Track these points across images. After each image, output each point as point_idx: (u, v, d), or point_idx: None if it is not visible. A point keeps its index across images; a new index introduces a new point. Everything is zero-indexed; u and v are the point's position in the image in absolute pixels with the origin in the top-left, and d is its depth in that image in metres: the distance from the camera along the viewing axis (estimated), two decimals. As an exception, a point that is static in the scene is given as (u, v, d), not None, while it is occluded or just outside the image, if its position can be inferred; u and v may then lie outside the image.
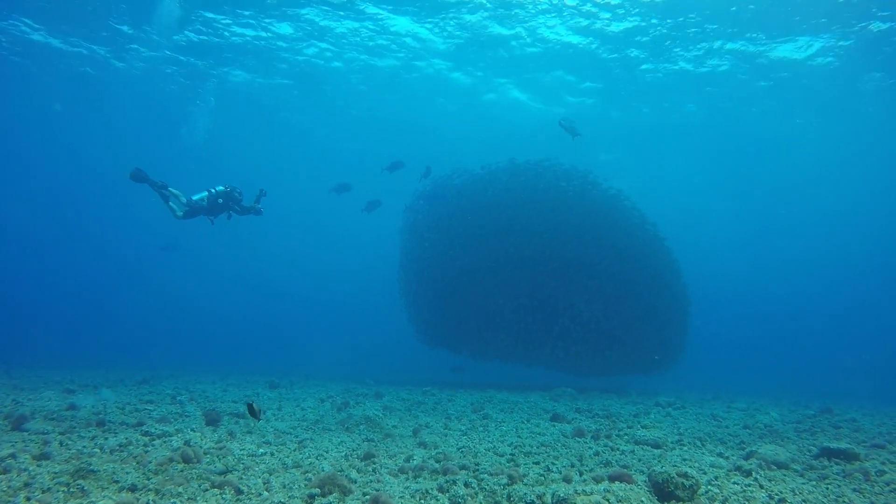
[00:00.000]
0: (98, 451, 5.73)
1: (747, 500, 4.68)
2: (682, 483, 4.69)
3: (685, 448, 7.00)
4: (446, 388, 14.02)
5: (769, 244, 45.14)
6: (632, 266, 14.39)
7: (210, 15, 20.31)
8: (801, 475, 5.63)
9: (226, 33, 21.64)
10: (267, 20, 20.76)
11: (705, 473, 5.54)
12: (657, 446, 6.96)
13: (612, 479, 5.13)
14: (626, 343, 14.50)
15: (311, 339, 31.60)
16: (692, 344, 16.68)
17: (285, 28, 21.33)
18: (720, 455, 6.57)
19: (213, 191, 9.72)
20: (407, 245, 16.89)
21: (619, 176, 17.98)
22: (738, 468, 5.72)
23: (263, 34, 21.71)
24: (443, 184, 16.10)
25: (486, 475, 5.27)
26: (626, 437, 7.54)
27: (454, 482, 4.99)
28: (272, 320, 41.53)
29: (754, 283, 45.94)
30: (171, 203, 9.36)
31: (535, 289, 14.42)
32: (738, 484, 5.15)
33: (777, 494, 4.84)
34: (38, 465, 5.06)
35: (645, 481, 5.11)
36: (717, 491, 4.88)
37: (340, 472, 5.36)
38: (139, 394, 10.42)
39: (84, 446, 5.88)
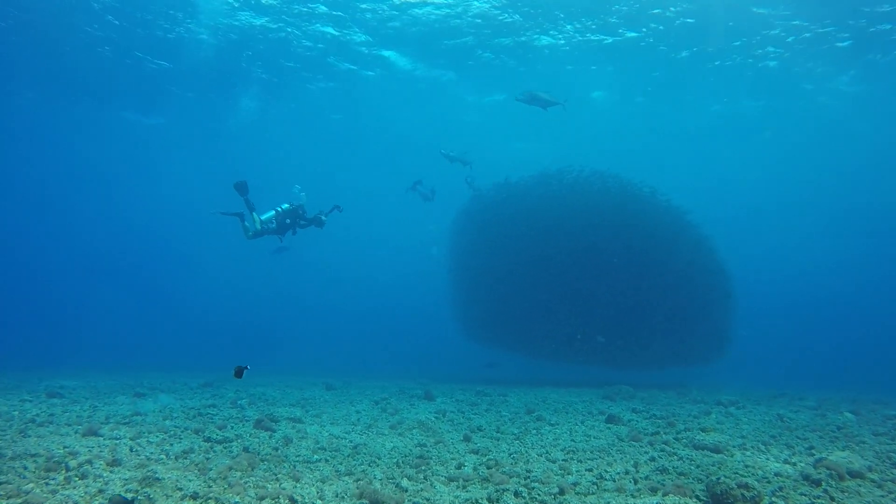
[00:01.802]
0: (164, 457, 6.05)
1: (816, 515, 4.41)
2: (743, 495, 4.48)
3: (748, 453, 6.66)
4: (500, 385, 13.99)
5: (843, 237, 42.46)
6: (669, 259, 14.43)
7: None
8: (880, 486, 5.23)
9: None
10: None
11: (769, 483, 5.26)
12: (717, 451, 6.67)
13: (667, 490, 4.96)
14: (668, 334, 14.58)
15: (368, 339, 32.33)
16: (759, 336, 16.00)
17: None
18: (786, 461, 6.21)
19: (279, 210, 10.16)
20: (456, 249, 17.40)
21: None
22: (807, 477, 5.38)
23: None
24: (486, 195, 16.72)
25: (536, 484, 5.21)
26: (684, 440, 7.26)
27: (504, 491, 4.96)
28: (330, 322, 42.60)
29: (827, 275, 43.31)
30: (245, 223, 9.82)
31: (576, 286, 14.58)
32: (805, 496, 4.85)
33: (850, 508, 4.53)
34: (110, 472, 5.40)
35: (703, 491, 4.90)
36: None
37: (391, 479, 5.43)
38: (203, 397, 10.93)
39: (151, 452, 6.22)
